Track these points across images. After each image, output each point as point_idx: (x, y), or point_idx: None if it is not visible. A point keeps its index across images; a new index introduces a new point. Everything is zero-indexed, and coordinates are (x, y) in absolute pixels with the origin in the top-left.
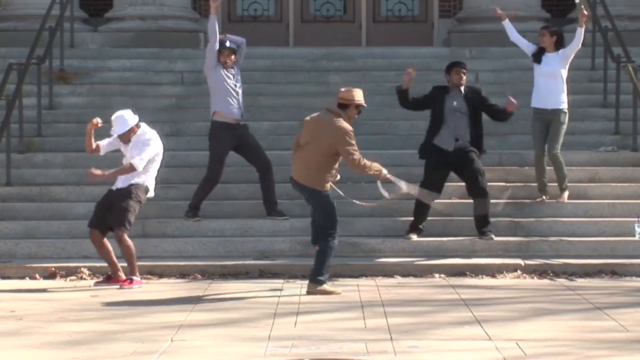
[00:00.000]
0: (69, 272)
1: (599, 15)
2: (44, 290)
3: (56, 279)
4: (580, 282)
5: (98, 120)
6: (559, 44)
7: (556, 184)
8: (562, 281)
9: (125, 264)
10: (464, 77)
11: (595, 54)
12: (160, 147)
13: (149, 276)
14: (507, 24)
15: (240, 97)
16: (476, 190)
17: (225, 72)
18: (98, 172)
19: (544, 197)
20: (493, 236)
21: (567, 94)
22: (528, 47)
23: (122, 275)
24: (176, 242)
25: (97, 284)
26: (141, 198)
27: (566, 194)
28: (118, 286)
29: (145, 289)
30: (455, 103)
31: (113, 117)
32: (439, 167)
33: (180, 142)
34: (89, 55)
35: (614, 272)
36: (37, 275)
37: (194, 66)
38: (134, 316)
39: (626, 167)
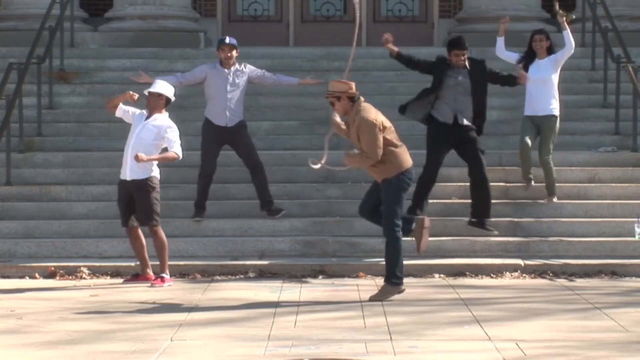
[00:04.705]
0: (69, 272)
1: (599, 16)
2: (43, 290)
3: (56, 278)
4: (580, 282)
5: (136, 97)
6: (550, 50)
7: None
8: (562, 281)
9: (152, 262)
10: (463, 58)
11: (595, 54)
12: None
13: None
14: (500, 40)
15: (229, 100)
16: (478, 173)
17: (216, 73)
18: (143, 156)
19: (531, 183)
20: (495, 231)
21: (559, 99)
22: (515, 58)
23: (151, 273)
24: (176, 242)
25: (125, 281)
26: (157, 186)
27: (555, 197)
28: (149, 284)
29: (145, 288)
30: (457, 77)
31: (157, 79)
32: (438, 141)
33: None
34: (89, 54)
35: (613, 272)
36: (36, 275)
37: (194, 66)
38: (134, 315)
39: (626, 167)
